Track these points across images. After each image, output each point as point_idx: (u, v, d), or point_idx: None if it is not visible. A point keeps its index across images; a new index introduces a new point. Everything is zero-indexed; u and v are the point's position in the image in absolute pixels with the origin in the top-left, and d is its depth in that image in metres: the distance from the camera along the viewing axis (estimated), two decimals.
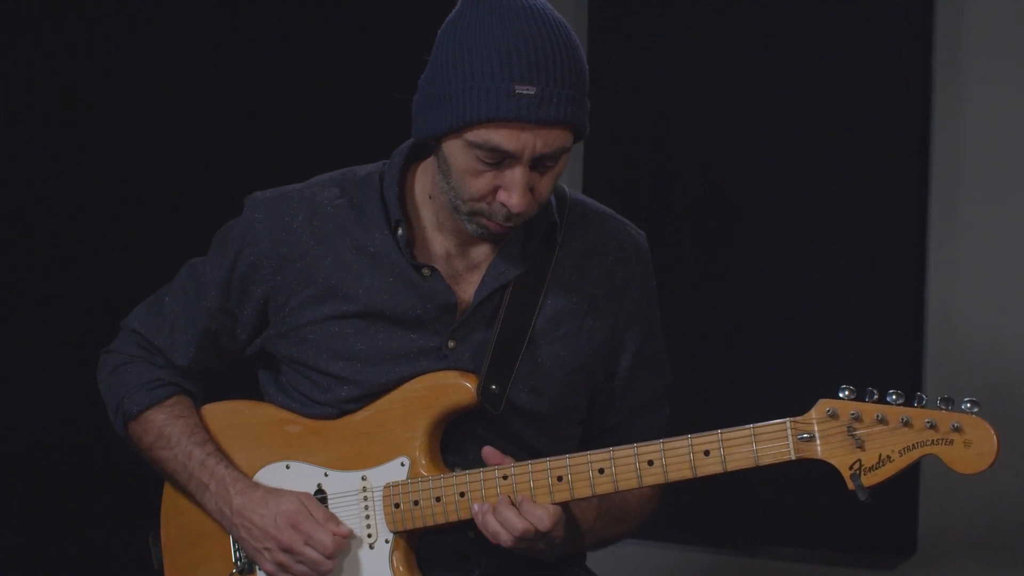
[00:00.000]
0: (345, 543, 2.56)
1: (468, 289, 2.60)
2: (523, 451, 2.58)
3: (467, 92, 2.38)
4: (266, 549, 2.56)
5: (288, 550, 2.54)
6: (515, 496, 2.47)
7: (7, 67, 3.38)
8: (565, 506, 2.49)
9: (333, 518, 2.57)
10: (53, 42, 3.43)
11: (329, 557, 2.53)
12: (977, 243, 3.77)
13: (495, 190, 2.44)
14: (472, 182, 2.44)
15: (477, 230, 2.50)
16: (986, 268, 3.76)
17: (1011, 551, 3.74)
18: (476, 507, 2.48)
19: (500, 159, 2.41)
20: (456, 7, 2.47)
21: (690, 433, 2.42)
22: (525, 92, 2.36)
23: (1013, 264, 3.73)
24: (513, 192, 2.42)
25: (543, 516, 2.45)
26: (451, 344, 2.58)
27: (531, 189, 2.44)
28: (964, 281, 3.78)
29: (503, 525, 2.46)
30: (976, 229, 3.77)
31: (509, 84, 2.37)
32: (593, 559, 2.75)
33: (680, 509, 3.81)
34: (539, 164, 2.43)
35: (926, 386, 3.77)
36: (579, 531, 2.57)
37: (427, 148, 2.59)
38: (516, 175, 2.41)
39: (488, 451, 2.52)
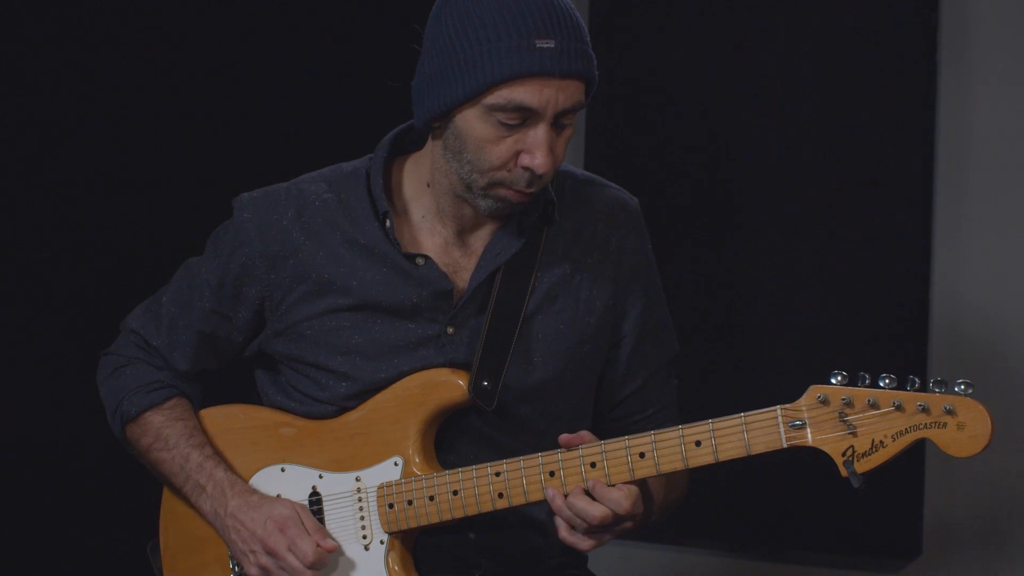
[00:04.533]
0: (329, 558, 2.54)
1: (465, 275, 2.58)
2: (525, 435, 2.57)
3: (486, 54, 2.38)
4: (252, 551, 2.55)
5: (271, 553, 2.53)
6: (586, 483, 2.43)
7: (7, 67, 3.39)
8: (640, 482, 2.45)
9: (322, 531, 2.55)
10: (53, 41, 3.44)
11: (309, 567, 2.51)
12: (982, 239, 3.75)
13: (516, 155, 2.43)
14: (492, 150, 2.43)
15: (493, 204, 2.48)
16: (991, 263, 3.74)
17: (1017, 553, 3.72)
18: (551, 491, 2.44)
19: (523, 119, 2.40)
20: None
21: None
22: (546, 46, 2.37)
23: (1018, 259, 3.72)
24: (537, 152, 2.41)
25: (620, 498, 2.41)
26: (450, 330, 2.56)
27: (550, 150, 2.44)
28: (969, 275, 3.76)
29: (579, 515, 2.42)
30: (981, 224, 3.75)
31: (529, 40, 2.36)
32: (593, 561, 2.73)
33: (682, 511, 3.79)
34: (557, 121, 2.42)
35: (931, 378, 3.74)
36: (652, 502, 2.54)
37: (413, 142, 2.58)
38: (540, 134, 2.40)
39: (565, 438, 2.47)
